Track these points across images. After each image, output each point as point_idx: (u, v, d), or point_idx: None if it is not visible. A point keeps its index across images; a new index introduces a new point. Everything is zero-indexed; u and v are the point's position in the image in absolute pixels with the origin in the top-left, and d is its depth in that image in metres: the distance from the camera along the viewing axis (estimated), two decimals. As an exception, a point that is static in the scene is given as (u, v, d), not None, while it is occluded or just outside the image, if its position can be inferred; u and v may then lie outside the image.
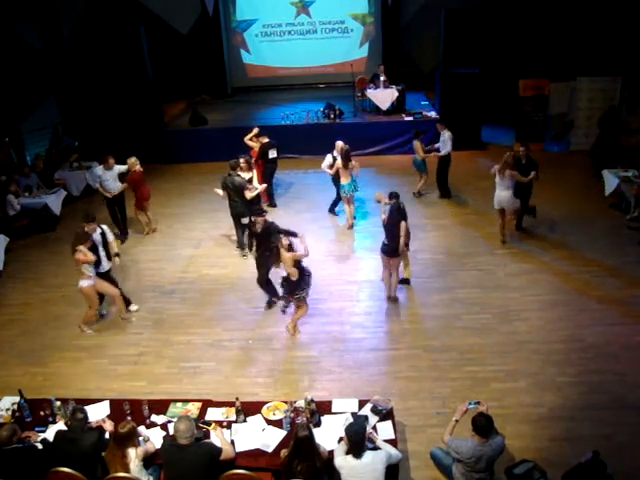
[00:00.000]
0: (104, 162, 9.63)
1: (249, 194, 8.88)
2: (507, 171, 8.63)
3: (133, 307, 7.98)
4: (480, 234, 9.58)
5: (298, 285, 6.87)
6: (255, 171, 9.83)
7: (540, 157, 9.97)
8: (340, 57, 16.66)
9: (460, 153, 11.36)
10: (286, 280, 6.93)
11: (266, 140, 10.73)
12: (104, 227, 7.61)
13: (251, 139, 10.76)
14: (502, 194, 8.83)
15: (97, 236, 7.40)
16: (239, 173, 9.18)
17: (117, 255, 7.82)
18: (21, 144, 13.08)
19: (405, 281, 8.15)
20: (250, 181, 9.37)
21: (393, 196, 7.62)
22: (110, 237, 7.66)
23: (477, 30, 12.98)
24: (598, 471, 4.29)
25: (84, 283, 7.21)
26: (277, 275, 7.39)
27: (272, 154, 10.71)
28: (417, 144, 10.76)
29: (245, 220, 8.98)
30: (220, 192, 9.19)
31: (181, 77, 16.70)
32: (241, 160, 9.40)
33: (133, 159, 9.76)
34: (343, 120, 13.67)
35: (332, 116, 13.65)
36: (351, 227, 10.03)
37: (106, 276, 7.61)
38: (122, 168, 9.75)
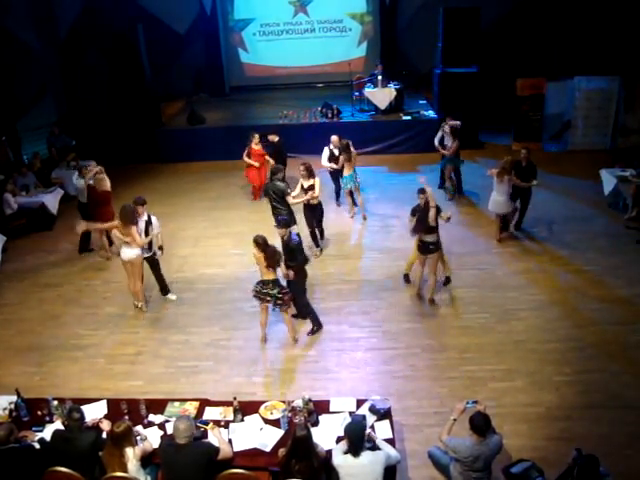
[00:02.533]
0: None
1: (292, 200, 8.56)
2: (505, 176, 8.62)
3: (172, 296, 8.18)
4: (478, 233, 9.58)
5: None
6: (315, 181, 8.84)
7: (538, 157, 9.99)
8: (338, 56, 16.62)
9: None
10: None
11: (277, 138, 10.83)
12: (153, 217, 7.72)
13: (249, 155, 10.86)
14: (498, 199, 8.83)
15: (141, 222, 7.55)
16: (280, 179, 8.72)
17: (160, 248, 7.93)
18: (18, 143, 13.06)
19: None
20: (311, 188, 8.70)
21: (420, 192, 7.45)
22: (156, 229, 7.74)
23: (475, 29, 12.97)
24: (592, 469, 4.27)
25: (135, 252, 7.42)
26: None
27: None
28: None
29: (295, 228, 8.54)
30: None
31: (179, 76, 16.68)
32: (301, 167, 8.87)
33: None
34: (341, 119, 13.68)
35: (330, 115, 13.65)
36: (365, 218, 10.26)
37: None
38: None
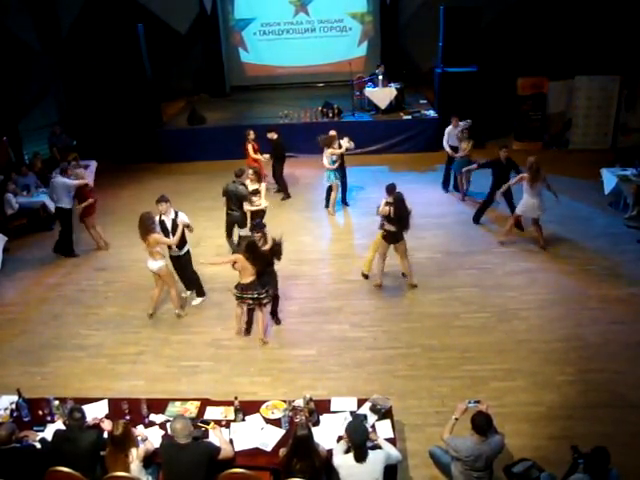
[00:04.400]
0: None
1: (248, 207, 8.55)
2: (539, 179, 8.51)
3: (197, 301, 8.05)
4: (478, 233, 9.58)
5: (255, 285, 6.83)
6: (264, 184, 9.01)
7: (539, 156, 9.92)
8: (339, 56, 16.62)
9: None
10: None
11: (276, 135, 10.90)
12: (181, 213, 7.53)
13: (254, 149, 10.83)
14: (532, 201, 8.73)
15: (168, 221, 7.43)
16: (245, 183, 8.74)
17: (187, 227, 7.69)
18: (19, 143, 13.07)
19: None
20: (256, 193, 8.71)
21: (391, 190, 7.73)
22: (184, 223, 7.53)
23: (476, 28, 12.96)
24: (602, 461, 4.24)
25: (158, 264, 7.31)
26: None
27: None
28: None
29: (243, 232, 8.65)
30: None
31: (179, 76, 16.68)
32: (250, 171, 8.95)
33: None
34: (342, 119, 13.67)
35: (331, 115, 13.66)
36: (331, 214, 10.57)
37: (175, 261, 7.79)
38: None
